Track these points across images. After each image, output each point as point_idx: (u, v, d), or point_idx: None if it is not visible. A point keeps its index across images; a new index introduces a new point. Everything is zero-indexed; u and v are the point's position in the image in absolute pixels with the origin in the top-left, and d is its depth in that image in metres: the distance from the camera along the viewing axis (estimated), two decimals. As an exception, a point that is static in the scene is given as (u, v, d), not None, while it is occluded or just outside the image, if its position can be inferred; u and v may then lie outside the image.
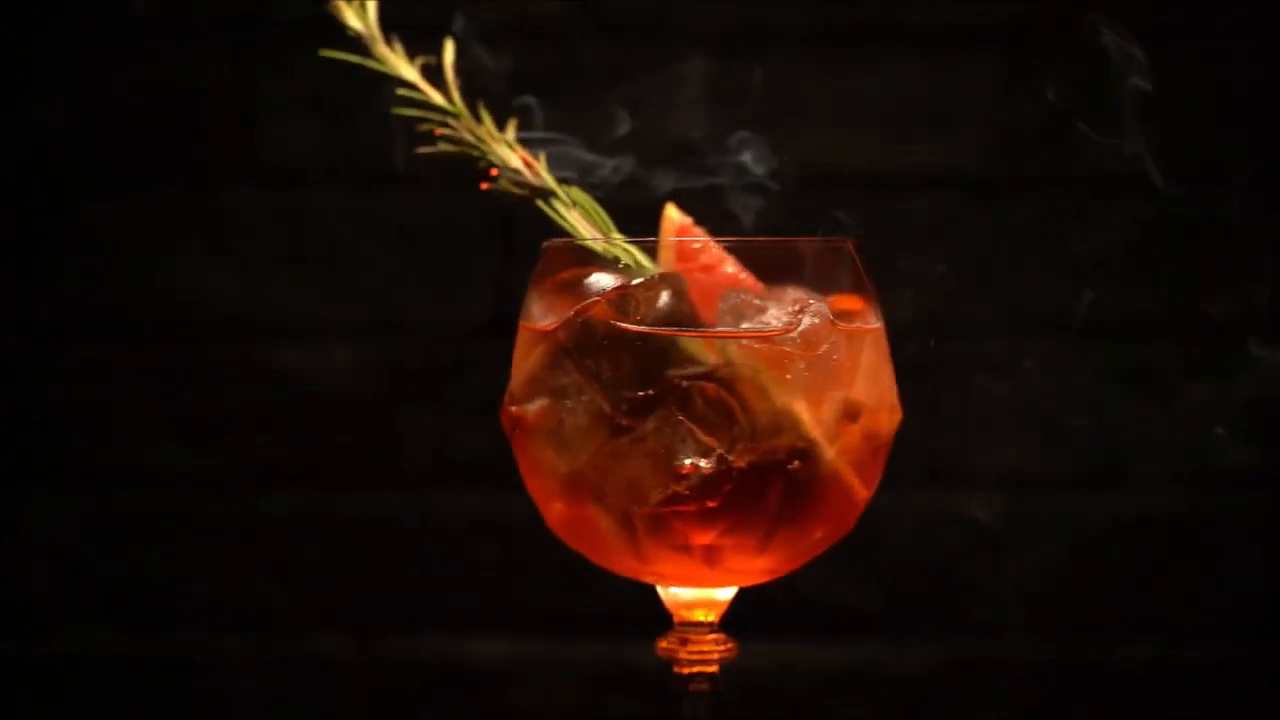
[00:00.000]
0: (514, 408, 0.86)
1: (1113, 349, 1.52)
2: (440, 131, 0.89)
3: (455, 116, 0.89)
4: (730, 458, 0.83)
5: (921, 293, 1.51)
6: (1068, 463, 1.52)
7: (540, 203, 0.89)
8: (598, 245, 0.87)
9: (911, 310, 1.52)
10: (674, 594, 0.91)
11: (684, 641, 0.91)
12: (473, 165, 0.89)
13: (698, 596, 0.91)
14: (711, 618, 0.92)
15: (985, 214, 1.51)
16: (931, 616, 1.53)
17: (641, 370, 0.83)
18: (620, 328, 0.83)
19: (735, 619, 1.52)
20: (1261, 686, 1.53)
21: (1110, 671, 1.53)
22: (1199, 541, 1.52)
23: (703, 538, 0.85)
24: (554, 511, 0.87)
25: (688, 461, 0.83)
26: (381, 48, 0.90)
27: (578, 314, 0.84)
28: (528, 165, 0.89)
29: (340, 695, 1.54)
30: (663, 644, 0.92)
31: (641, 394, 0.83)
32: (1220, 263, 1.50)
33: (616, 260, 0.86)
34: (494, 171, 0.88)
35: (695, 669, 0.91)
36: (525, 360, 0.86)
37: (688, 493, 0.83)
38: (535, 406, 0.86)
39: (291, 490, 1.53)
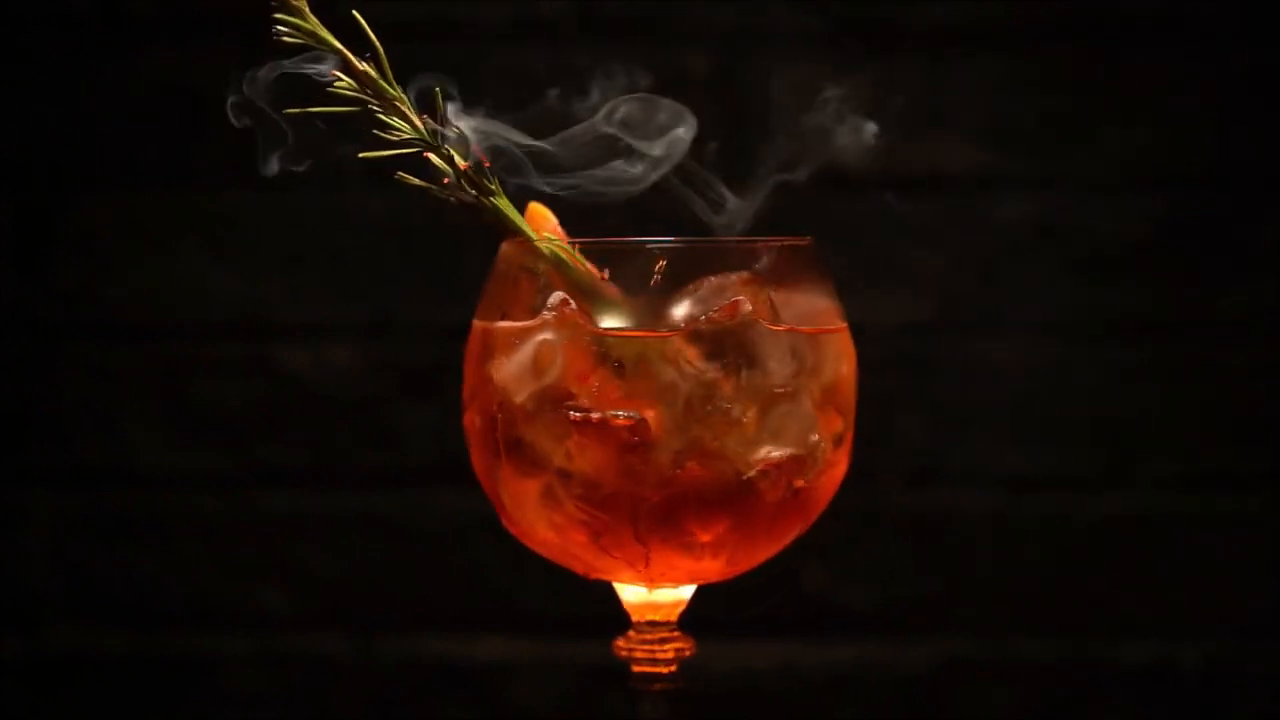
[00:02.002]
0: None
1: (1113, 348, 1.52)
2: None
3: (398, 102, 0.88)
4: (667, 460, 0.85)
5: (921, 292, 1.51)
6: (1068, 463, 1.52)
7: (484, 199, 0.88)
8: (551, 245, 0.87)
9: (911, 310, 1.52)
10: (631, 594, 0.91)
11: (641, 642, 0.92)
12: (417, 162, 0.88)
13: (654, 597, 0.91)
14: (669, 618, 0.92)
15: (985, 214, 1.51)
16: (931, 616, 1.53)
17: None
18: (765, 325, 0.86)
19: (735, 618, 1.53)
20: (1261, 686, 1.53)
21: (1110, 671, 1.53)
22: (1199, 541, 1.52)
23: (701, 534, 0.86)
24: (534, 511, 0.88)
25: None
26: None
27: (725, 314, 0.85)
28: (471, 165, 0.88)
29: (340, 695, 1.54)
30: (620, 644, 0.92)
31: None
32: (1221, 262, 1.50)
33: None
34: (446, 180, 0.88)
35: (652, 669, 0.92)
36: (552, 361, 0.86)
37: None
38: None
39: (291, 490, 1.53)
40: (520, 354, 0.86)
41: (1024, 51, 1.49)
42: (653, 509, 0.84)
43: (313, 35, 0.86)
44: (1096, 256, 1.50)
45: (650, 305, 0.87)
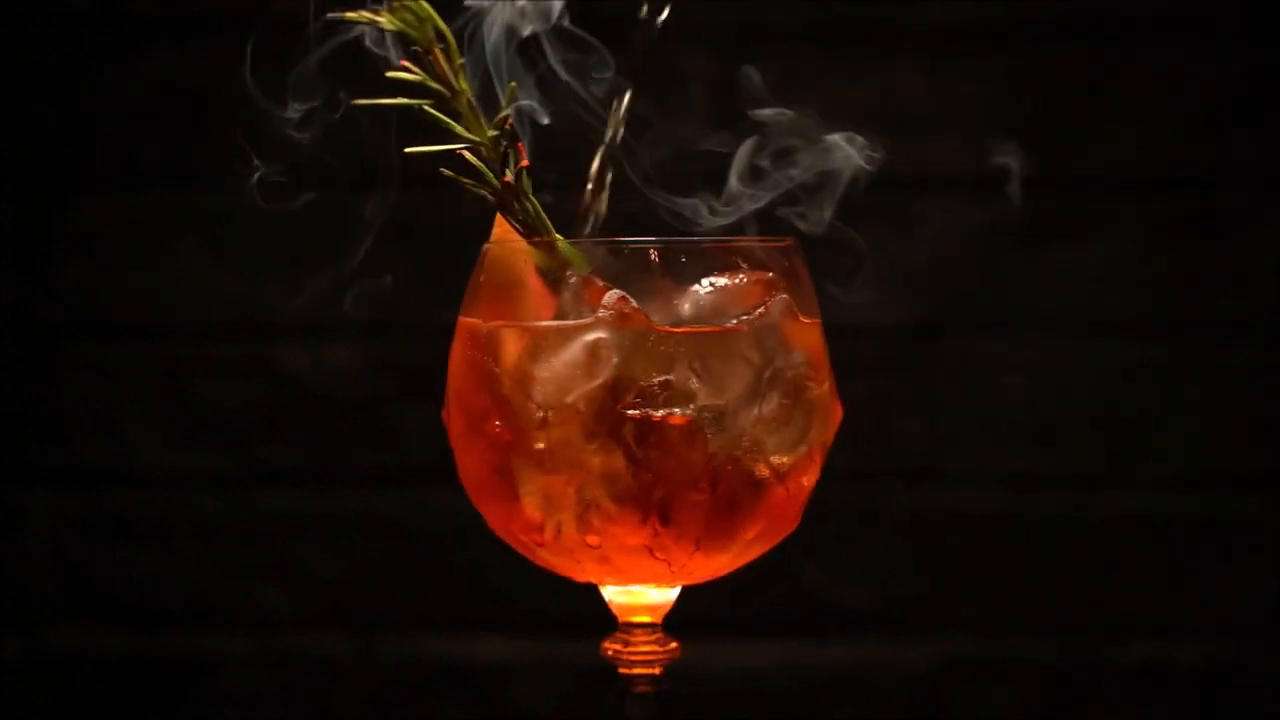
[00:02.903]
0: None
1: (1113, 348, 1.52)
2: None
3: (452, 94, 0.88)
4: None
5: (920, 292, 1.51)
6: (1068, 462, 1.52)
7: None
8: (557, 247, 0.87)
9: (911, 310, 1.52)
10: (616, 596, 0.91)
11: (627, 643, 0.92)
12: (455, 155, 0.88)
13: (639, 599, 0.91)
14: (654, 619, 0.92)
15: (985, 214, 1.51)
16: (931, 616, 1.53)
17: None
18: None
19: (734, 618, 1.53)
20: (1261, 686, 1.53)
21: (1110, 671, 1.53)
22: (1199, 541, 1.52)
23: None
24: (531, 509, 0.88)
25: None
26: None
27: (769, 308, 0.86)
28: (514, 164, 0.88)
29: (340, 695, 1.54)
30: (607, 646, 0.92)
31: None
32: (1221, 262, 1.50)
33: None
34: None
35: (638, 670, 0.92)
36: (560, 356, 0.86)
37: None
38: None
39: (291, 490, 1.53)
40: (572, 352, 0.86)
41: (1024, 51, 1.49)
42: (694, 506, 0.85)
43: (415, 20, 0.85)
44: (1096, 256, 1.50)
45: (664, 304, 0.87)
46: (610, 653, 0.92)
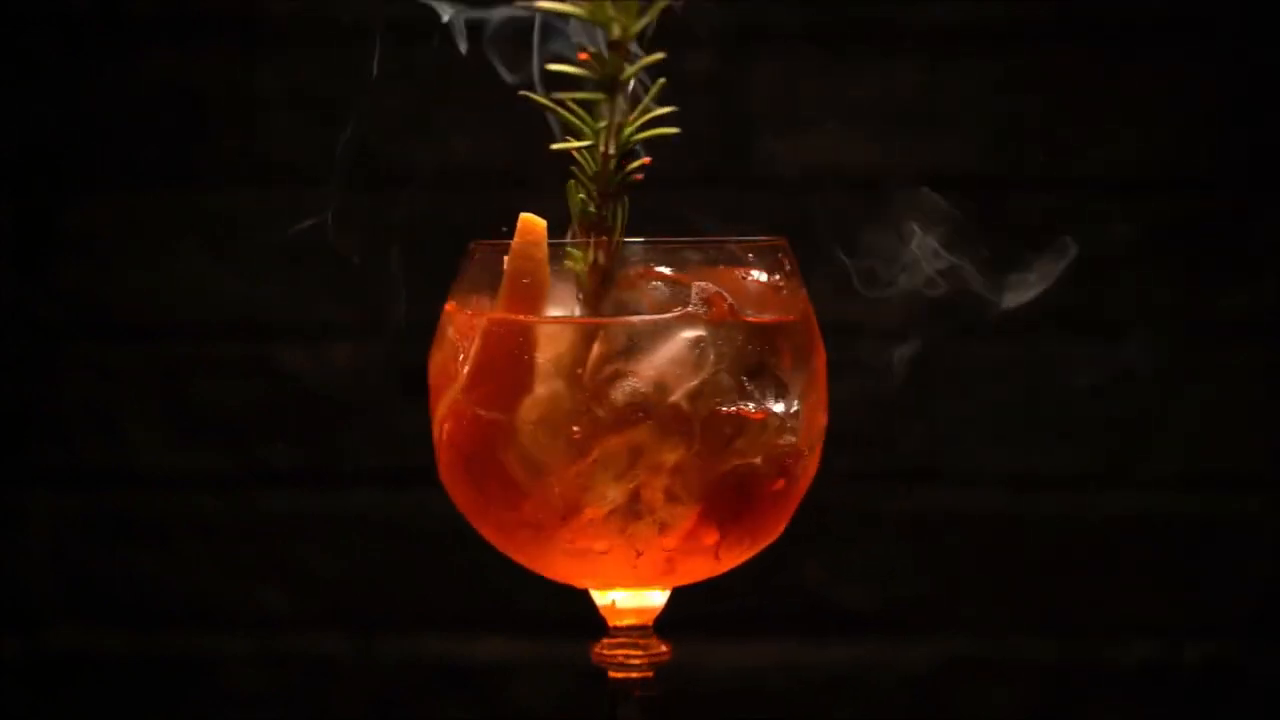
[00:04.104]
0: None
1: (1113, 348, 1.52)
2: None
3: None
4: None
5: (920, 292, 1.51)
6: (1068, 462, 1.52)
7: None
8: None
9: (910, 310, 1.52)
10: (607, 599, 0.91)
11: (617, 647, 0.91)
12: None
13: (630, 602, 0.91)
14: (644, 622, 0.92)
15: (985, 214, 1.50)
16: (931, 616, 1.53)
17: None
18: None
19: (734, 618, 1.53)
20: (1261, 686, 1.53)
21: (1110, 671, 1.53)
22: (1199, 541, 1.52)
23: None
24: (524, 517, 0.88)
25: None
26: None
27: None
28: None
29: (340, 695, 1.54)
30: (597, 649, 0.92)
31: None
32: (1221, 262, 1.50)
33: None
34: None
35: (628, 674, 0.91)
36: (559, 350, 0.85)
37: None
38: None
39: (291, 490, 1.53)
40: (670, 348, 0.85)
41: (1024, 51, 1.49)
42: (763, 500, 0.86)
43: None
44: (1096, 256, 1.50)
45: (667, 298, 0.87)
46: (600, 657, 0.92)
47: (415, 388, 1.53)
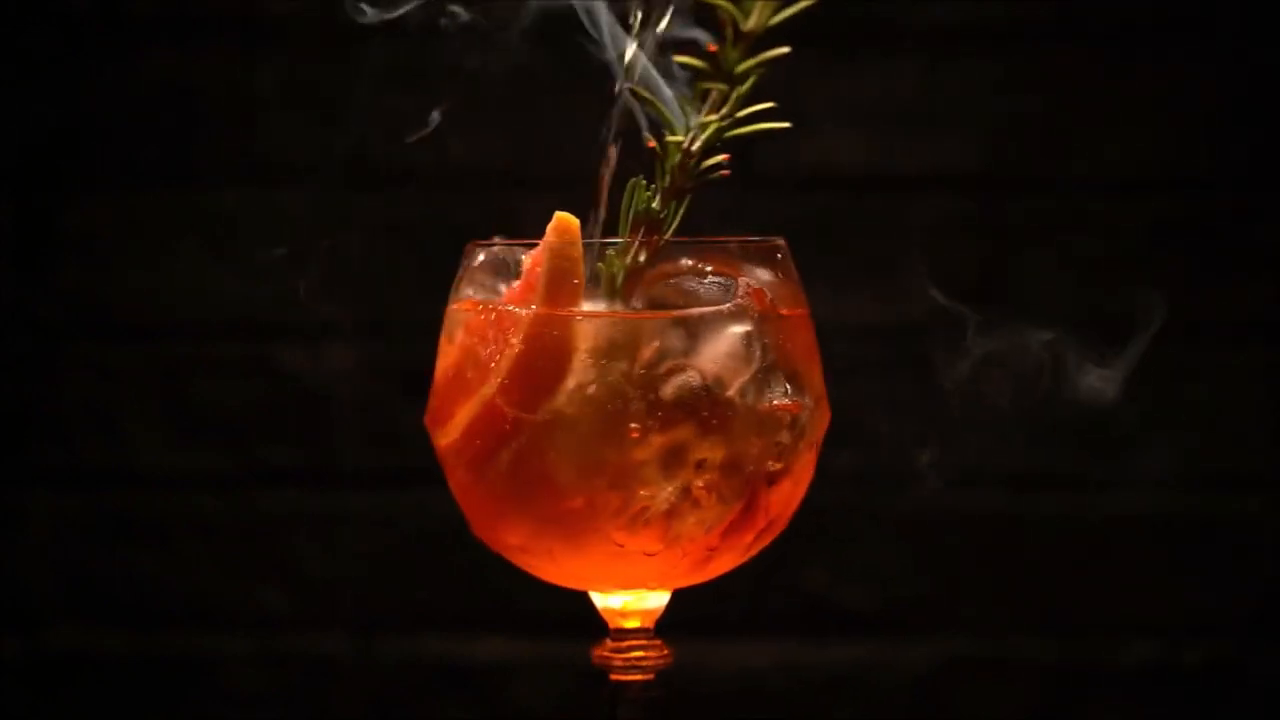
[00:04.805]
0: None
1: (1113, 348, 1.51)
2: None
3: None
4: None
5: (920, 292, 1.51)
6: (1068, 462, 1.52)
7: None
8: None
9: (910, 310, 1.52)
10: (607, 601, 0.91)
11: (618, 649, 0.91)
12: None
13: (631, 604, 0.90)
14: (646, 624, 0.91)
15: (985, 214, 1.51)
16: (931, 616, 1.53)
17: None
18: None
19: (735, 619, 1.53)
20: (1261, 686, 1.53)
21: (1110, 671, 1.53)
22: (1199, 541, 1.52)
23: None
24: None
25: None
26: None
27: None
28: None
29: (340, 695, 1.54)
30: (598, 652, 0.91)
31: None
32: (1221, 262, 1.50)
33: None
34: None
35: (630, 676, 0.91)
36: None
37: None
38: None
39: (291, 490, 1.53)
40: (723, 342, 0.85)
41: (1024, 51, 1.49)
42: (768, 497, 0.86)
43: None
44: (1096, 256, 1.50)
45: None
46: (602, 659, 0.91)
47: (415, 388, 1.53)
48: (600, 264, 0.86)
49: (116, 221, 1.52)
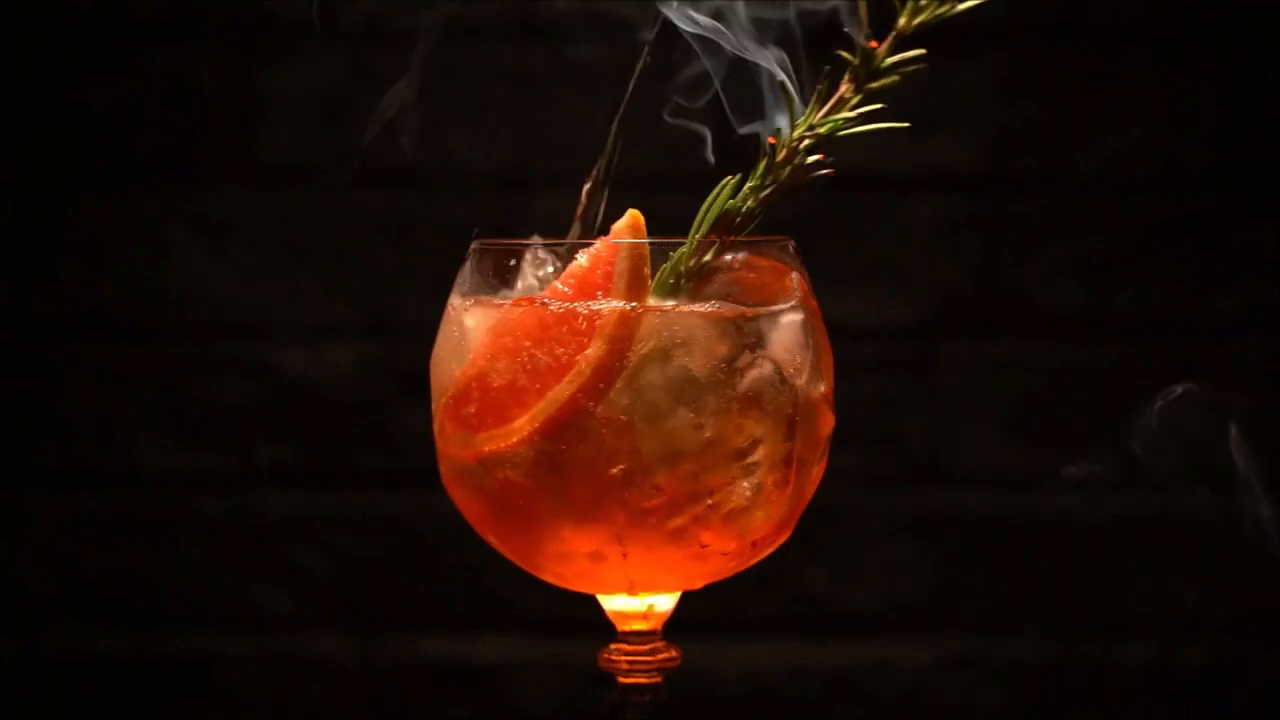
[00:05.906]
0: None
1: (1112, 348, 1.52)
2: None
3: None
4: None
5: (920, 292, 1.51)
6: (1068, 463, 1.52)
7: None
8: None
9: (911, 310, 1.52)
10: (615, 604, 0.91)
11: (625, 652, 0.91)
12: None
13: (637, 607, 0.90)
14: (653, 627, 0.91)
15: (985, 214, 1.51)
16: (931, 616, 1.53)
17: None
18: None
19: (736, 620, 1.53)
20: (1261, 686, 1.53)
21: (1110, 671, 1.53)
22: (1199, 541, 1.52)
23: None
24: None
25: None
26: None
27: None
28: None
29: (340, 695, 1.54)
30: (604, 655, 0.91)
31: None
32: (1221, 262, 1.50)
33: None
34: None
35: (637, 679, 0.91)
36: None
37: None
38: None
39: (291, 490, 1.53)
40: (790, 335, 0.86)
41: (1024, 51, 1.49)
42: (810, 480, 0.89)
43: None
44: (1097, 256, 1.50)
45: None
46: (609, 662, 0.91)
47: (415, 388, 1.53)
48: (668, 262, 0.86)
49: (116, 221, 1.52)
